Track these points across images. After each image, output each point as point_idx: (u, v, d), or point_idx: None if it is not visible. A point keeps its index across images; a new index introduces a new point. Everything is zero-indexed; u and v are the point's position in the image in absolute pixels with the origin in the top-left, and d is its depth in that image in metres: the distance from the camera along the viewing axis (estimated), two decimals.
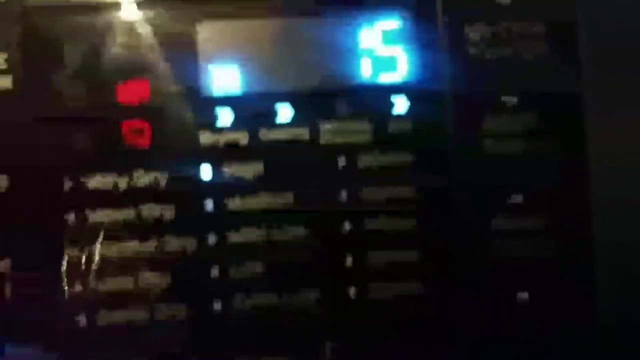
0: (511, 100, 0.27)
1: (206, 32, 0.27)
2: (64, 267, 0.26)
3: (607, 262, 0.27)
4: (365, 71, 0.28)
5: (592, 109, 0.27)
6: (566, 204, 0.28)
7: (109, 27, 0.26)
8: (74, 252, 0.26)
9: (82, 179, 0.26)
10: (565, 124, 0.28)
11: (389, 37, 0.28)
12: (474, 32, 0.27)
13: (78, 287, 0.26)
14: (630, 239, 0.27)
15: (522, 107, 0.27)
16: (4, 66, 0.26)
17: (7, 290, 0.26)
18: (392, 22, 0.28)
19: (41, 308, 0.26)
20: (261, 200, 0.27)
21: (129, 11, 0.27)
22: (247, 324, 0.27)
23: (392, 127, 0.28)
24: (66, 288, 0.26)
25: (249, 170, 0.27)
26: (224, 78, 0.27)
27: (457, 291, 0.27)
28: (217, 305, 0.27)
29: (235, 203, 0.27)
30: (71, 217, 0.26)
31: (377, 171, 0.27)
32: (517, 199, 0.27)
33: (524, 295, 0.27)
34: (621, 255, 0.27)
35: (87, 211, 0.26)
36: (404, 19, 0.28)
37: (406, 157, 0.27)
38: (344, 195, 0.27)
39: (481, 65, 0.27)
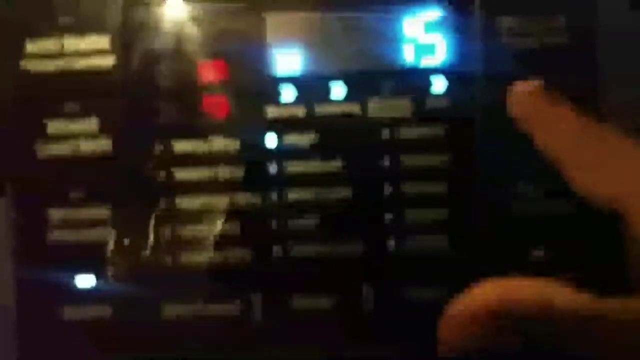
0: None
1: (273, 21, 0.32)
2: (154, 215, 0.32)
3: None
4: (408, 55, 0.32)
5: (607, 91, 0.31)
6: None
7: (193, 16, 0.31)
8: (163, 203, 0.32)
9: (169, 143, 0.32)
10: (582, 103, 0.31)
11: (429, 26, 0.32)
12: (506, 23, 0.31)
13: (166, 232, 0.32)
14: None
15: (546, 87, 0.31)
16: (108, 47, 0.32)
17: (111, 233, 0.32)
18: (432, 13, 0.32)
19: (135, 249, 0.32)
20: (315, 165, 0.32)
21: (211, 3, 0.31)
22: (301, 268, 0.32)
23: (430, 104, 0.32)
24: (156, 232, 0.32)
25: (306, 139, 0.32)
26: (287, 60, 0.32)
27: (480, 248, 0.31)
28: (277, 251, 0.32)
29: (293, 166, 0.32)
30: (161, 175, 0.32)
31: (415, 142, 0.32)
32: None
33: (539, 252, 0.31)
34: None
35: (173, 170, 0.32)
36: (443, 10, 0.32)
37: (441, 130, 0.32)
38: (386, 161, 0.32)
39: (511, 52, 0.31)
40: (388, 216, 0.32)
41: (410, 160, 0.32)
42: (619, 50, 0.31)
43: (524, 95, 0.29)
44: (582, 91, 0.31)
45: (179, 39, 0.31)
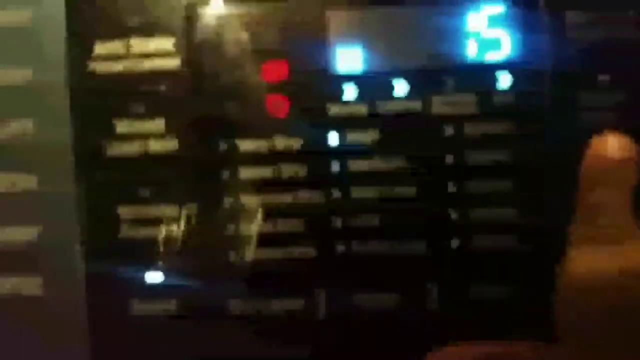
0: (605, 78, 0.30)
1: (335, 19, 0.32)
2: (219, 213, 0.32)
3: None
4: (472, 51, 0.31)
5: None
6: None
7: (255, 17, 0.32)
8: (228, 201, 0.32)
9: (233, 143, 0.32)
10: None
11: (493, 21, 0.31)
12: (572, 17, 0.30)
13: (230, 229, 0.33)
14: None
15: (614, 85, 0.30)
16: (173, 48, 0.32)
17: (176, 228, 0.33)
18: (497, 8, 0.31)
19: (200, 245, 0.33)
20: (378, 162, 0.32)
21: (273, 3, 0.32)
22: (364, 265, 0.32)
23: (495, 100, 0.31)
24: (221, 229, 0.32)
25: (368, 137, 0.32)
26: (349, 58, 0.32)
27: (547, 245, 0.31)
28: (340, 249, 0.32)
29: (356, 164, 0.32)
30: (225, 173, 0.32)
31: (480, 138, 0.31)
32: None
33: None
34: None
35: (238, 168, 0.32)
36: (508, 5, 0.31)
37: (506, 126, 0.31)
38: (449, 159, 0.32)
39: (578, 47, 0.30)
40: (453, 214, 0.31)
41: (475, 158, 0.31)
42: None
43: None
44: None
45: (242, 39, 0.32)
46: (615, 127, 0.30)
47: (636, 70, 0.30)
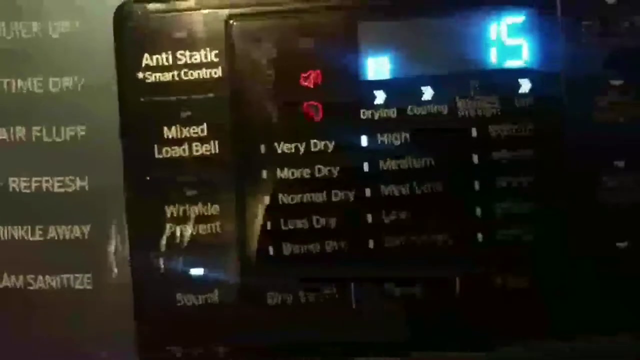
0: (618, 82, 0.33)
1: (365, 30, 0.34)
2: (259, 210, 0.35)
3: None
4: (494, 58, 0.34)
5: None
6: None
7: (294, 29, 0.34)
8: (267, 199, 0.35)
9: (272, 145, 0.34)
10: None
11: (514, 30, 0.33)
12: (587, 26, 0.33)
13: (269, 225, 0.35)
14: None
15: (627, 88, 0.32)
16: (216, 59, 0.34)
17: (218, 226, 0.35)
18: (517, 18, 0.33)
19: (242, 241, 0.35)
20: (408, 162, 0.34)
21: (307, 16, 0.34)
22: (393, 259, 0.34)
23: (517, 103, 0.34)
24: (261, 226, 0.35)
25: (398, 138, 0.34)
26: (379, 66, 0.34)
27: (567, 239, 0.33)
28: (371, 244, 0.34)
29: (387, 164, 0.34)
30: (264, 173, 0.35)
31: (504, 139, 0.34)
32: (620, 164, 0.33)
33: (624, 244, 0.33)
34: None
35: (276, 169, 0.35)
36: (527, 15, 0.33)
37: (528, 128, 0.33)
38: (475, 159, 0.34)
39: (593, 54, 0.33)
40: (478, 210, 0.34)
41: (498, 157, 0.33)
42: None
43: None
44: None
45: (279, 49, 0.34)
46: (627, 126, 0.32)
47: None
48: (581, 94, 0.33)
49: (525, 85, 0.33)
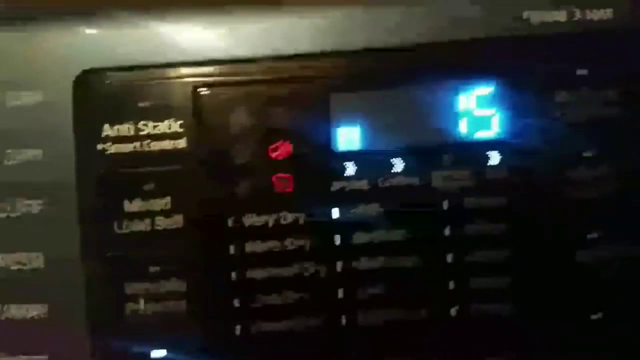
0: (590, 155, 0.33)
1: (337, 101, 0.33)
2: (226, 286, 0.33)
3: None
4: (464, 129, 0.33)
5: None
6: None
7: (264, 99, 0.33)
8: (234, 274, 0.33)
9: (241, 218, 0.33)
10: (635, 174, 0.33)
11: (484, 101, 0.33)
12: (558, 98, 0.33)
13: (236, 301, 0.33)
14: None
15: (599, 161, 0.33)
16: (180, 130, 0.33)
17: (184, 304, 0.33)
18: (486, 89, 0.33)
19: (207, 319, 0.33)
20: (379, 235, 0.33)
21: (277, 86, 0.33)
22: (369, 335, 0.33)
23: (488, 176, 0.33)
24: (228, 303, 0.33)
25: (370, 211, 0.33)
26: (351, 137, 0.33)
27: (543, 312, 0.33)
28: (344, 320, 0.33)
29: (358, 237, 0.33)
30: (232, 248, 0.33)
31: (476, 212, 0.33)
32: (595, 235, 0.33)
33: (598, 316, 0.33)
34: None
35: (245, 243, 0.33)
36: (497, 86, 0.33)
37: (500, 200, 0.33)
38: (447, 231, 0.33)
39: (564, 125, 0.33)
40: (451, 284, 0.33)
41: (471, 230, 0.33)
42: None
43: None
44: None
45: (248, 119, 0.33)
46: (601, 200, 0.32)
47: (620, 146, 0.33)
48: (553, 166, 0.33)
49: (496, 158, 0.33)
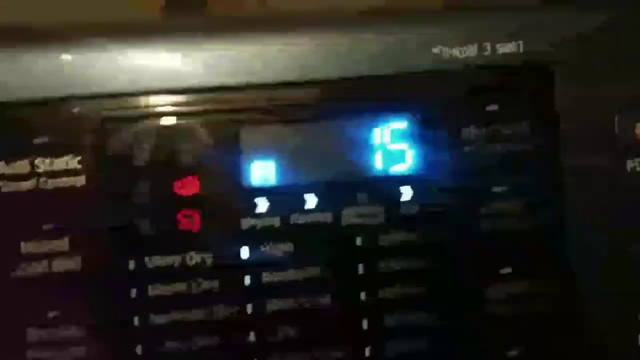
0: (500, 190, 0.33)
1: (247, 134, 0.32)
2: (128, 333, 0.31)
3: None
4: (378, 164, 0.33)
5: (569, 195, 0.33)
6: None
7: (168, 133, 0.32)
8: (136, 320, 0.31)
9: (143, 260, 0.31)
10: (546, 208, 0.33)
11: (397, 136, 0.33)
12: (468, 133, 0.33)
13: (139, 348, 0.31)
14: None
15: (510, 196, 0.33)
16: (78, 166, 0.31)
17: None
18: (400, 123, 0.33)
19: None
20: (292, 274, 0.32)
21: (184, 119, 0.32)
22: None
23: (401, 211, 0.33)
24: (130, 349, 0.31)
25: (281, 249, 0.32)
26: (262, 173, 0.32)
27: (459, 349, 0.32)
28: None
29: (269, 277, 0.32)
30: (133, 292, 0.31)
31: (389, 248, 0.32)
32: (507, 270, 0.33)
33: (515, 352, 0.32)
34: None
35: (148, 286, 0.31)
36: (410, 120, 0.33)
37: (413, 236, 0.33)
38: (361, 268, 0.32)
39: (474, 160, 0.33)
40: (365, 323, 0.32)
41: (385, 267, 0.32)
42: None
43: None
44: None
45: (151, 155, 0.31)
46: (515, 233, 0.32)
47: (531, 181, 0.33)
48: (465, 201, 0.33)
49: (409, 193, 0.33)
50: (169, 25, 0.33)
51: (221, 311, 0.32)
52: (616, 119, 0.33)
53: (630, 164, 0.33)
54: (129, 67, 0.31)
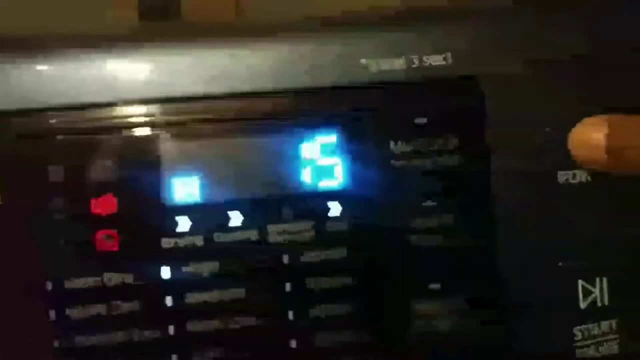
0: (430, 204, 0.32)
1: (167, 150, 0.31)
2: (50, 355, 0.30)
3: None
4: (306, 179, 0.32)
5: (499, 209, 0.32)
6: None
7: (86, 149, 0.30)
8: (57, 343, 0.30)
9: (60, 281, 0.30)
10: (476, 222, 0.32)
11: (326, 151, 0.32)
12: (397, 147, 0.32)
13: None
14: None
15: (440, 210, 0.32)
16: None
17: None
18: (329, 137, 0.32)
19: None
20: (216, 295, 0.31)
21: (101, 134, 0.31)
22: None
23: (329, 228, 0.32)
24: None
25: (205, 269, 0.31)
26: (183, 190, 0.31)
27: None
28: None
29: (192, 298, 0.31)
30: (52, 313, 0.30)
31: (317, 266, 0.32)
32: (436, 286, 0.32)
33: None
34: None
35: (66, 309, 0.30)
36: (339, 134, 0.32)
37: (342, 253, 0.32)
38: (288, 287, 0.32)
39: (404, 175, 0.32)
40: (293, 343, 0.31)
41: (312, 285, 0.31)
42: None
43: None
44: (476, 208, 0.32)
45: (66, 172, 0.30)
46: (445, 248, 0.31)
47: (460, 195, 0.32)
48: (394, 216, 0.32)
49: (337, 209, 0.32)
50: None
51: (143, 333, 0.30)
52: (547, 130, 0.33)
53: (561, 176, 0.33)
54: (44, 82, 0.30)
